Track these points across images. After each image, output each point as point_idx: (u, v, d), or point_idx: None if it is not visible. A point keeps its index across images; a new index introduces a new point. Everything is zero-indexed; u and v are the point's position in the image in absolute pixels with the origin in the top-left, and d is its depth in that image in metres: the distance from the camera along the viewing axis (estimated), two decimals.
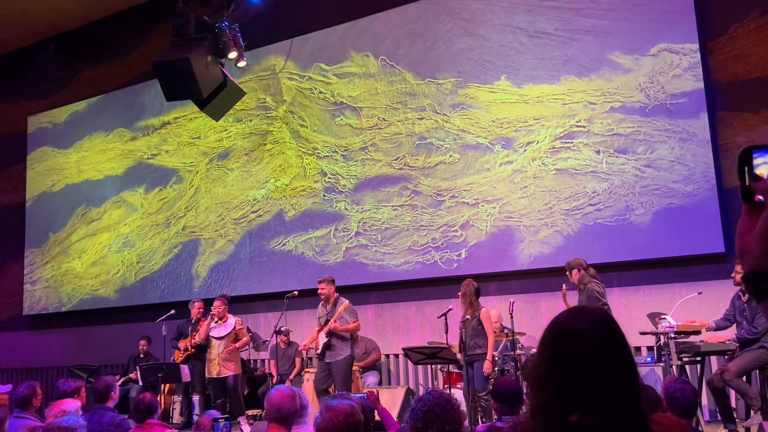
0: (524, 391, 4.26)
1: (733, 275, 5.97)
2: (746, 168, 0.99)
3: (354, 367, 7.83)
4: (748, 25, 7.41)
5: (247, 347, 8.51)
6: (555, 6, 8.24)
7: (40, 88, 12.99)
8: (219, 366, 7.86)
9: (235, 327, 8.01)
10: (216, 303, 8.08)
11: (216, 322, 8.00)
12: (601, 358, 1.35)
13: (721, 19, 7.54)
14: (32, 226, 12.65)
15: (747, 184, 0.98)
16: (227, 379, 7.90)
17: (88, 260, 11.83)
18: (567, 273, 6.69)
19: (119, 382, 8.29)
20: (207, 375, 8.10)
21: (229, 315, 8.10)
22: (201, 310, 8.79)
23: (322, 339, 7.32)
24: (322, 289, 7.43)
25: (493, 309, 7.88)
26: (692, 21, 7.49)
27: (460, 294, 7.00)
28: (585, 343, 1.36)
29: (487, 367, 6.69)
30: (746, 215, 0.99)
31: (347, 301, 7.44)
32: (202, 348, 8.72)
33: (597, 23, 7.99)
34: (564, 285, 6.73)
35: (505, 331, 7.60)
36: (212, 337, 7.97)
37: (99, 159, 12.03)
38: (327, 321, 7.36)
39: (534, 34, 8.34)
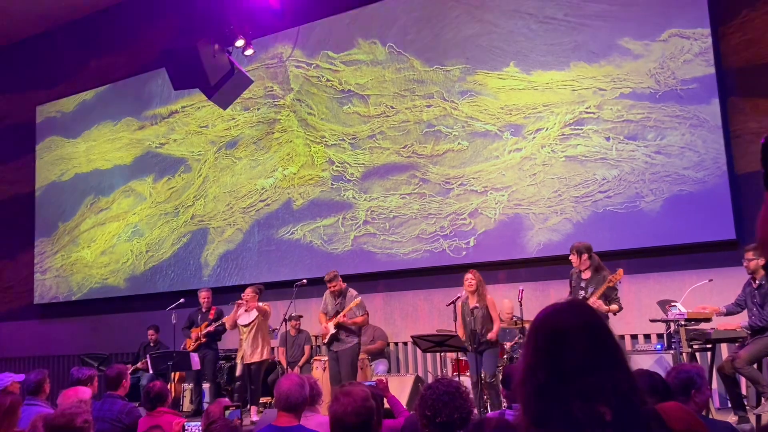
0: None
1: (745, 264, 5.89)
2: None
3: (362, 355, 7.87)
4: (760, 8, 7.32)
5: (275, 333, 8.52)
6: None
7: (48, 77, 13.00)
8: (246, 351, 7.89)
9: (258, 311, 7.93)
10: (247, 290, 8.06)
11: (246, 310, 7.98)
12: (585, 334, 1.45)
13: (733, 3, 7.44)
14: (42, 215, 12.71)
15: None
16: (253, 365, 7.91)
17: (98, 249, 11.88)
18: (573, 257, 6.51)
19: (129, 371, 8.33)
20: (236, 359, 8.16)
21: (258, 303, 8.04)
22: (206, 299, 8.84)
23: (331, 330, 7.40)
24: (333, 287, 7.52)
25: (506, 299, 7.87)
26: (703, 5, 7.40)
27: (474, 283, 6.91)
28: (567, 325, 1.47)
29: (494, 330, 6.79)
30: None
31: (360, 297, 7.49)
32: (213, 337, 8.77)
33: (607, 8, 7.90)
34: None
35: (515, 319, 7.59)
36: (239, 324, 7.99)
37: (107, 148, 12.05)
38: (337, 312, 7.43)
39: (543, 20, 8.27)
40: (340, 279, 7.61)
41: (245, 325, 7.94)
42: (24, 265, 12.85)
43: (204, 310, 8.88)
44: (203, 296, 8.93)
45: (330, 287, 7.56)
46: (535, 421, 1.42)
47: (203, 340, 8.68)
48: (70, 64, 12.72)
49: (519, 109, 8.34)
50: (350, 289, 7.59)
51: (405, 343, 8.93)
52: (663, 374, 3.63)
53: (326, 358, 7.73)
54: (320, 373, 7.68)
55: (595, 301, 6.12)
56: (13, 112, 13.47)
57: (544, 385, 1.42)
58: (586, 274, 6.44)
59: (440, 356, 7.87)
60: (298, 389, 3.45)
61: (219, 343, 9.07)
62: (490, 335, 6.77)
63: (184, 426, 3.86)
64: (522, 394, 1.47)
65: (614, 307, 6.25)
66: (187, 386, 9.02)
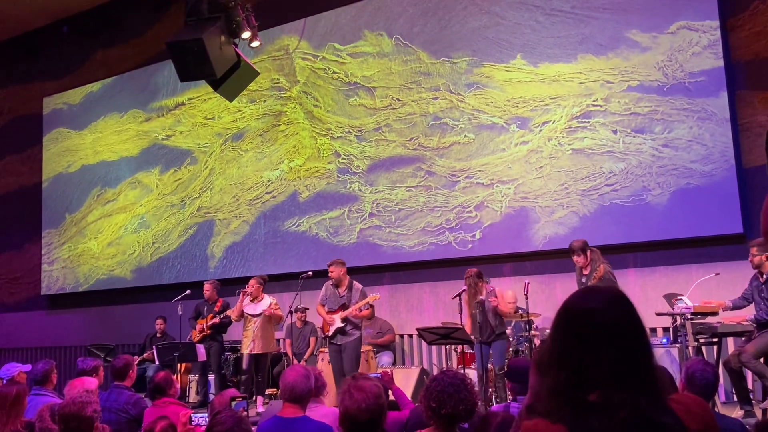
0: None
1: (750, 259, 5.89)
2: None
3: (368, 347, 7.87)
4: None
5: (280, 325, 8.55)
6: None
7: (55, 69, 13.02)
8: (252, 342, 7.93)
9: (270, 306, 8.02)
10: (251, 282, 8.11)
11: (252, 300, 8.04)
12: (616, 335, 1.35)
13: None
14: (49, 206, 12.75)
15: None
16: (259, 356, 7.96)
17: (105, 241, 11.92)
18: (574, 256, 6.56)
19: (136, 362, 8.37)
20: (242, 350, 8.19)
21: (265, 295, 8.12)
22: (208, 292, 8.88)
23: (338, 323, 7.32)
24: (332, 271, 7.44)
25: (509, 290, 7.87)
26: None
27: (465, 287, 6.99)
28: (600, 320, 1.36)
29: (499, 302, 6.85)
30: None
31: (361, 286, 7.46)
32: (219, 329, 8.80)
33: (614, 0, 7.85)
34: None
35: (520, 312, 7.59)
36: (247, 314, 8.03)
37: (114, 140, 12.07)
38: (343, 305, 7.35)
39: (550, 12, 8.22)
40: (343, 270, 7.46)
41: (254, 315, 7.98)
42: (31, 256, 12.91)
43: (211, 302, 8.91)
44: (205, 288, 8.96)
45: (330, 270, 7.47)
46: (543, 415, 1.34)
47: (208, 331, 8.70)
48: (77, 55, 12.73)
49: (526, 101, 8.31)
50: (355, 282, 7.52)
51: (410, 336, 8.93)
52: (669, 368, 3.62)
53: None
54: (325, 365, 7.68)
55: (607, 285, 6.11)
56: (20, 104, 13.50)
57: (564, 385, 1.34)
58: (587, 270, 6.50)
59: (445, 349, 7.88)
60: (303, 380, 3.46)
61: (225, 335, 9.10)
62: (498, 308, 6.82)
63: (191, 417, 3.87)
64: (536, 384, 1.40)
65: None
66: (194, 377, 9.06)
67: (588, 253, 6.54)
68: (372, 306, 8.55)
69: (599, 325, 1.36)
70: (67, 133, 12.70)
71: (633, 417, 1.30)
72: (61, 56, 12.95)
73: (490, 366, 6.93)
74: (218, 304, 8.82)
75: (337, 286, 7.47)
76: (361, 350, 7.53)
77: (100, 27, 12.33)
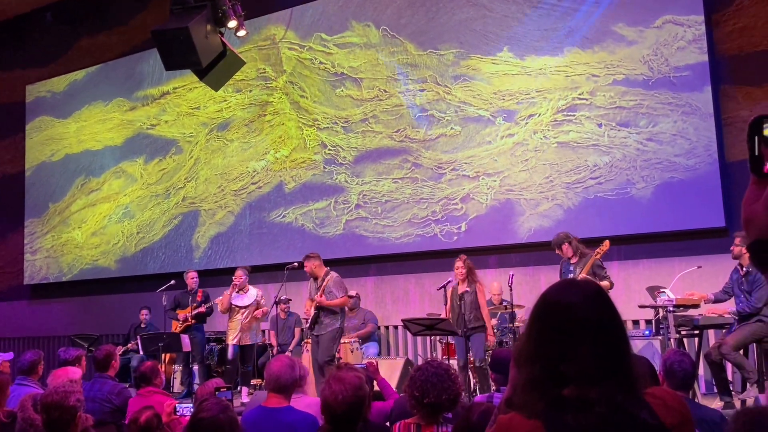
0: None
1: (732, 248, 5.97)
2: (756, 137, 0.97)
3: (352, 338, 7.88)
4: None
5: (266, 318, 8.57)
6: None
7: (39, 56, 12.86)
8: (239, 333, 7.95)
9: (257, 298, 8.09)
10: (237, 273, 8.15)
11: (238, 291, 8.08)
12: (597, 330, 1.35)
13: None
14: (32, 195, 12.63)
15: (756, 153, 0.97)
16: (245, 347, 7.98)
17: (88, 230, 11.84)
18: (557, 250, 6.63)
19: (120, 353, 8.34)
20: (226, 341, 8.19)
21: (250, 286, 8.18)
22: (195, 279, 8.85)
23: (312, 312, 7.31)
24: (305, 266, 7.40)
25: (495, 281, 7.91)
26: None
27: (463, 272, 6.92)
28: (581, 315, 1.36)
29: (490, 340, 6.81)
30: (753, 185, 0.98)
31: (335, 274, 7.39)
32: (201, 318, 8.78)
33: None
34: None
35: (504, 303, 7.63)
36: (234, 305, 8.06)
37: (98, 129, 11.96)
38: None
39: (537, 5, 8.24)
40: (315, 263, 7.34)
41: (241, 307, 8.00)
42: (14, 245, 12.79)
43: (192, 291, 8.88)
44: (192, 276, 8.93)
45: (304, 266, 7.44)
46: (519, 409, 1.34)
47: (192, 321, 8.69)
48: (61, 43, 12.58)
49: (512, 94, 8.33)
50: (332, 273, 7.48)
51: (396, 327, 8.96)
52: (652, 359, 3.66)
53: None
54: (310, 356, 7.69)
55: (584, 278, 6.14)
56: (2, 92, 13.33)
57: (540, 378, 1.33)
58: (574, 259, 6.54)
59: (430, 340, 7.91)
60: (288, 371, 3.47)
61: (211, 325, 9.08)
62: (488, 329, 6.77)
63: (175, 408, 3.86)
64: (514, 378, 1.40)
65: (605, 283, 6.23)
66: (178, 368, 9.04)
67: (564, 246, 6.59)
68: (357, 297, 8.55)
69: (580, 320, 1.35)
70: (50, 122, 12.57)
71: (609, 412, 1.30)
72: (44, 43, 12.78)
73: (472, 357, 6.96)
74: (199, 294, 8.81)
75: (315, 279, 7.46)
76: (344, 341, 7.52)
77: (85, 14, 12.19)
